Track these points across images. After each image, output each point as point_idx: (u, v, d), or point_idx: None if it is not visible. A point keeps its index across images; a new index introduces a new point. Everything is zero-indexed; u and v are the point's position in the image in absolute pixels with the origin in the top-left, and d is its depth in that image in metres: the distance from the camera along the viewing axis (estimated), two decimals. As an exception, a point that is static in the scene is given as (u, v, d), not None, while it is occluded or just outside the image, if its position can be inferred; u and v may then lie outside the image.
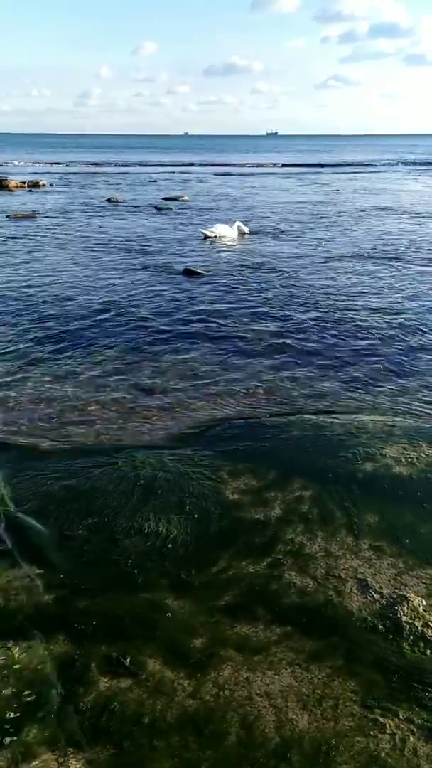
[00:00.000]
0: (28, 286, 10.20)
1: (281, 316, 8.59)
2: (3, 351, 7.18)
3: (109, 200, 22.97)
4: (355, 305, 9.11)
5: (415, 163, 50.64)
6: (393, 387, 6.16)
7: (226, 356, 7.03)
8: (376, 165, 49.85)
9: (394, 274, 11.24)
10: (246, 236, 15.22)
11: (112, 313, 8.67)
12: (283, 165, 47.49)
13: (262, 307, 9.04)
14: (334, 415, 5.43)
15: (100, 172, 40.38)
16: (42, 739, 2.46)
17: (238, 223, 15.37)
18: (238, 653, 2.86)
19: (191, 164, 51.19)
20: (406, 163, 51.83)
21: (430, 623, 3.03)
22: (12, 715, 2.56)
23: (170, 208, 20.73)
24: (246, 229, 15.40)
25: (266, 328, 8.05)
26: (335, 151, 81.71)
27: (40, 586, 3.31)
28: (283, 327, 8.11)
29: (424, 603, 3.16)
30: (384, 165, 49.84)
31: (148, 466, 4.47)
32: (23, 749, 2.43)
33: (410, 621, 3.05)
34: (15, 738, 2.47)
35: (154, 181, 33.79)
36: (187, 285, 10.35)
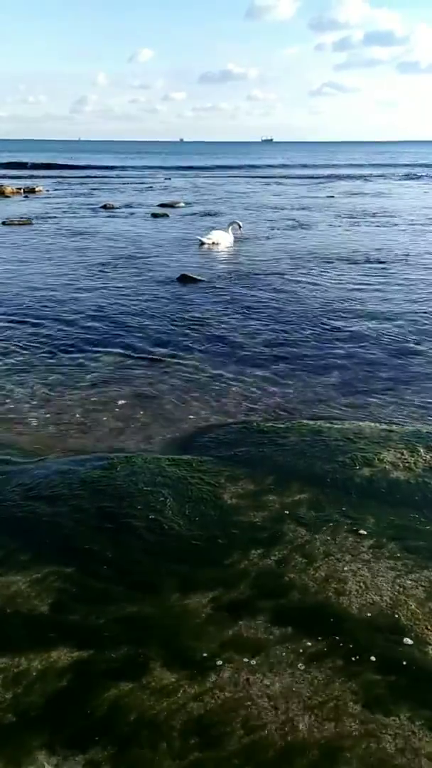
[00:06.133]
0: (23, 293, 10.23)
1: (277, 321, 8.63)
2: None
3: (104, 206, 23.02)
4: (351, 311, 9.16)
5: (413, 175, 50.77)
6: (390, 392, 6.20)
7: (222, 362, 7.06)
8: (371, 172, 50.10)
9: (389, 280, 11.31)
10: (242, 233, 15.35)
11: (107, 320, 8.70)
12: (281, 177, 47.57)
13: (258, 313, 9.08)
14: (331, 421, 5.46)
15: (96, 178, 40.47)
16: (42, 742, 2.47)
17: (234, 224, 15.41)
18: (239, 654, 2.88)
19: (187, 170, 51.32)
20: (399, 173, 52.08)
21: (428, 625, 3.06)
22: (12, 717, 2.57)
23: (166, 215, 20.81)
24: (240, 231, 15.45)
25: (262, 334, 8.09)
26: (330, 157, 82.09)
27: (45, 588, 3.32)
28: (279, 333, 8.16)
29: (423, 605, 3.19)
30: (379, 172, 50.08)
31: (146, 472, 4.49)
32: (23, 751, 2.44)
33: (409, 623, 3.07)
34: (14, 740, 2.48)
35: (150, 187, 33.89)
36: (183, 291, 10.39)
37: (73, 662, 2.85)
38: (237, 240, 15.21)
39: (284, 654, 2.89)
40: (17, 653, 2.90)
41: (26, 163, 52.90)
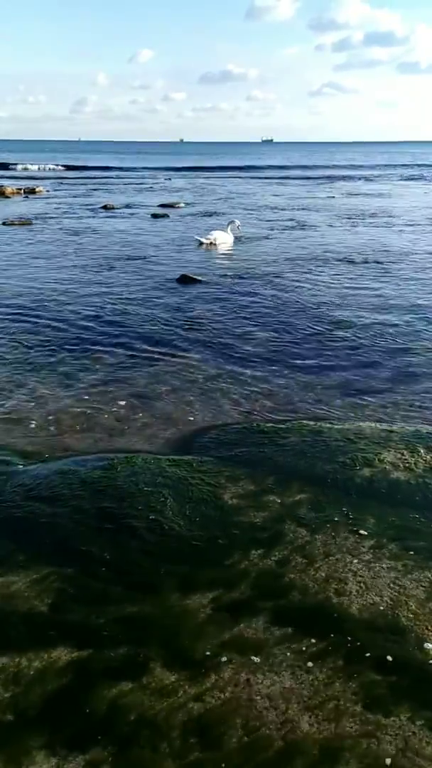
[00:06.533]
0: (23, 293, 10.22)
1: (278, 322, 8.63)
2: None
3: (104, 207, 23.02)
4: (351, 312, 9.16)
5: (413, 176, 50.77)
6: (390, 392, 6.20)
7: (222, 363, 7.06)
8: (371, 172, 50.14)
9: (388, 281, 11.31)
10: (240, 230, 15.33)
11: (107, 320, 8.69)
12: (281, 178, 47.51)
13: (258, 313, 9.08)
14: (331, 421, 5.47)
15: (96, 179, 40.47)
16: (42, 742, 2.48)
17: (232, 223, 15.39)
18: (239, 654, 2.88)
19: (187, 171, 51.33)
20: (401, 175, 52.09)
21: (428, 626, 3.06)
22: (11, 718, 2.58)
23: (166, 215, 20.80)
24: (239, 230, 15.42)
25: (262, 335, 8.09)
26: (329, 158, 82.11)
27: (45, 588, 3.32)
28: (279, 333, 8.15)
29: (423, 606, 3.19)
30: (379, 172, 50.12)
31: (147, 472, 4.49)
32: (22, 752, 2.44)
33: (409, 623, 3.07)
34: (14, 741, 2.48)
35: (150, 187, 33.90)
36: (183, 292, 10.39)
37: (74, 662, 2.85)
38: (236, 239, 15.20)
39: (284, 654, 2.90)
40: (17, 653, 2.90)
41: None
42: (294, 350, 7.50)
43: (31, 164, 53.06)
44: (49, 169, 51.37)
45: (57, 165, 53.79)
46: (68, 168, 52.52)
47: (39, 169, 51.03)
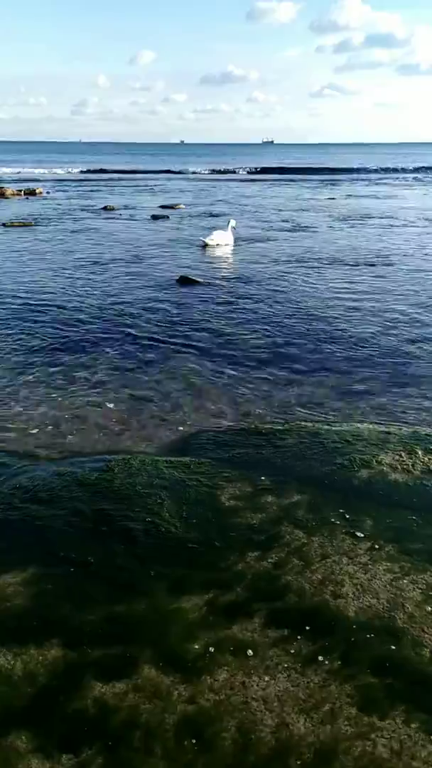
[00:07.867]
0: (23, 295, 10.22)
1: (276, 323, 8.62)
2: (-1, 358, 7.19)
3: (105, 208, 23.03)
4: (349, 314, 9.16)
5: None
6: (388, 395, 6.19)
7: (220, 364, 7.05)
8: (371, 174, 50.19)
9: (388, 283, 11.30)
10: (234, 229, 15.28)
11: (107, 322, 8.69)
12: (282, 179, 47.46)
13: (256, 315, 9.08)
14: (329, 423, 5.46)
15: (97, 180, 40.51)
16: (35, 745, 2.47)
17: (230, 222, 15.37)
18: (235, 656, 2.88)
19: (187, 172, 51.37)
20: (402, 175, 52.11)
21: (424, 628, 3.05)
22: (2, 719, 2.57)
23: (166, 217, 20.80)
24: (234, 229, 15.34)
25: (261, 336, 8.08)
26: (330, 159, 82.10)
27: (41, 590, 3.32)
28: (277, 335, 8.15)
29: (420, 608, 3.18)
30: (380, 174, 50.17)
31: (144, 474, 4.49)
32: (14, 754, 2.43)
33: (405, 625, 3.06)
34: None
35: (151, 189, 33.91)
36: (182, 293, 10.38)
37: (68, 662, 2.85)
38: (235, 240, 15.18)
39: (280, 656, 2.89)
40: (12, 652, 2.89)
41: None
42: (292, 352, 7.50)
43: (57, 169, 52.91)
44: (77, 172, 51.22)
45: (71, 170, 53.54)
46: (88, 171, 52.24)
47: (66, 172, 50.81)
